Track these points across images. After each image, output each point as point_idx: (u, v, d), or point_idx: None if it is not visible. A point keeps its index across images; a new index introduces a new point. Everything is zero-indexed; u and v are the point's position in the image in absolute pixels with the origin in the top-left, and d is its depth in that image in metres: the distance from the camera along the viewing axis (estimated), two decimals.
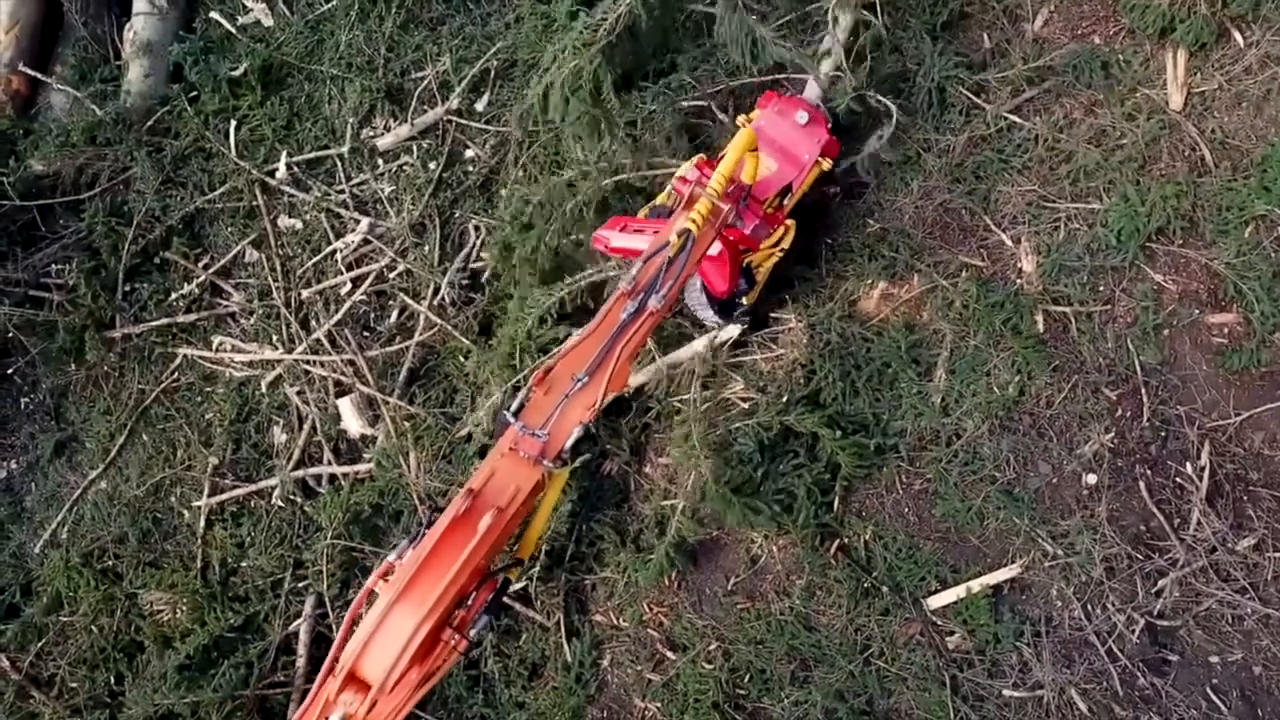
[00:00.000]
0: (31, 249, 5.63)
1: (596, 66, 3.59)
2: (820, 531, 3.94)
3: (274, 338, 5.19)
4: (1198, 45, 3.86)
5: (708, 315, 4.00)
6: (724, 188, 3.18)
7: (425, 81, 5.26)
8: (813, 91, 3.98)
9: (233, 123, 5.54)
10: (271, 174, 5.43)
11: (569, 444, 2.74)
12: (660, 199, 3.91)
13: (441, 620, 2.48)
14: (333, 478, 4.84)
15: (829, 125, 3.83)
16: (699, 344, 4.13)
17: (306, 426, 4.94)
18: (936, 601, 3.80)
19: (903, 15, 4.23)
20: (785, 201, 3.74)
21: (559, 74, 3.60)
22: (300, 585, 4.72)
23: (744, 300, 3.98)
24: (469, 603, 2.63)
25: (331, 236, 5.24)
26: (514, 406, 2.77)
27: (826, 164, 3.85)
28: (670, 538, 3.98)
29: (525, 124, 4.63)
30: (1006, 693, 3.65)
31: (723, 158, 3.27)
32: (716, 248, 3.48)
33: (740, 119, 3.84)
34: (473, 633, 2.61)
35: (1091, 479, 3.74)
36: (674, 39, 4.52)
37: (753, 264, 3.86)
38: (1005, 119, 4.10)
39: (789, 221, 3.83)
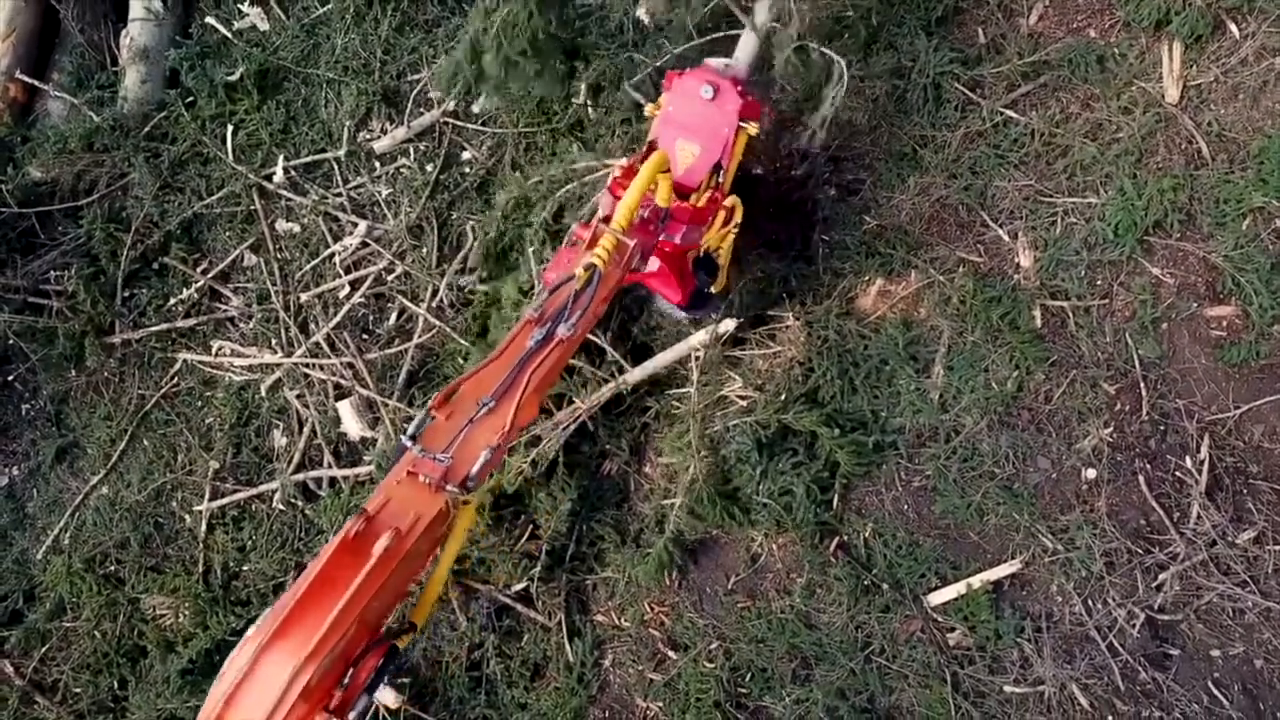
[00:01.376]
0: (30, 256, 5.64)
1: (531, 9, 3.39)
2: (820, 529, 3.93)
3: (273, 341, 5.19)
4: (1193, 38, 3.86)
5: (678, 315, 3.91)
6: (629, 223, 2.98)
7: (421, 84, 5.26)
8: (747, 48, 3.67)
9: (230, 127, 5.55)
10: (269, 178, 5.43)
11: (476, 469, 2.46)
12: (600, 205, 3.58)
13: (326, 682, 2.08)
14: (333, 481, 4.84)
15: (741, 88, 3.47)
16: (696, 339, 4.13)
17: (306, 430, 4.94)
18: (937, 598, 3.80)
19: (897, 11, 4.22)
20: (721, 180, 3.52)
21: (489, 24, 3.38)
22: None
23: (712, 289, 3.84)
24: (349, 677, 2.16)
25: (329, 240, 5.24)
26: (410, 430, 2.51)
27: (753, 128, 3.49)
28: (669, 533, 3.98)
29: (450, 85, 4.21)
30: (1008, 689, 3.64)
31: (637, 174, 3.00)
32: (654, 264, 3.35)
33: (649, 109, 3.57)
34: (352, 715, 2.16)
35: (1091, 474, 3.74)
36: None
37: (710, 251, 3.71)
38: (1001, 114, 4.09)
39: (731, 198, 3.61)
